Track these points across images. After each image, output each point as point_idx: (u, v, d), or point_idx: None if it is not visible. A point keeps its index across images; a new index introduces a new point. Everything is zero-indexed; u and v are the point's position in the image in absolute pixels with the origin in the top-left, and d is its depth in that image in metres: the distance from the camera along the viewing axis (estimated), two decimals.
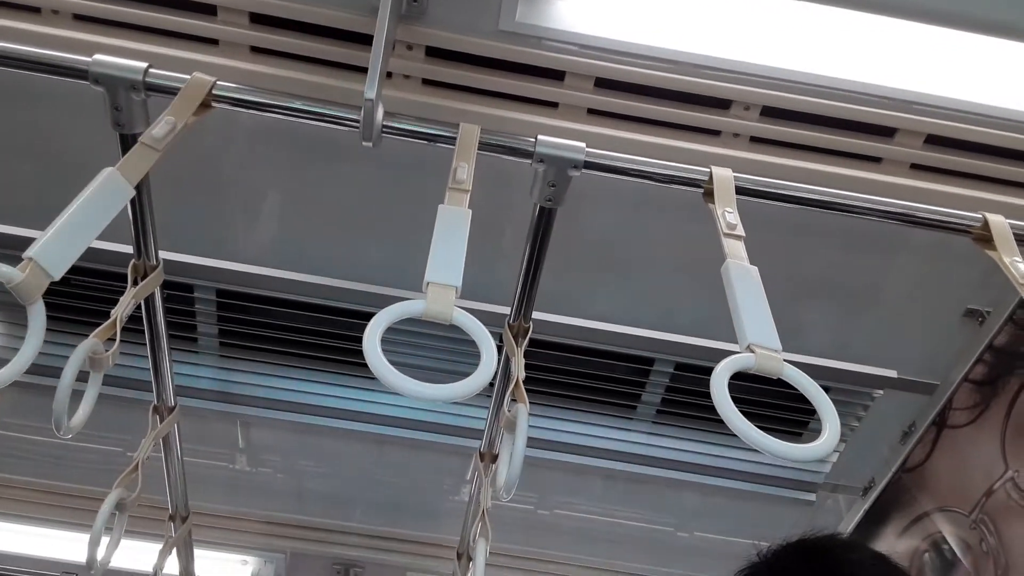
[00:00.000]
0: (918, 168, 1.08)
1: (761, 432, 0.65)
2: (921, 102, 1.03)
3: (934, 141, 1.07)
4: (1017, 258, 0.88)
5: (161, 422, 1.19)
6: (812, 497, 1.55)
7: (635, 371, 1.40)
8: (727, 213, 0.88)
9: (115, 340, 0.93)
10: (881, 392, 1.36)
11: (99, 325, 0.92)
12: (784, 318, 1.23)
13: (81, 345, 0.86)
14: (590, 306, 1.32)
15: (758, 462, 1.49)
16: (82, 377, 0.87)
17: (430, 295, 0.70)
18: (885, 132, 1.06)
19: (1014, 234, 0.92)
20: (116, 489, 1.10)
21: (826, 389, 1.33)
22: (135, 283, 1.00)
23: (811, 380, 0.71)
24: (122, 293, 0.98)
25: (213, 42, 1.02)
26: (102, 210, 0.73)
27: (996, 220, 0.91)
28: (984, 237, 0.92)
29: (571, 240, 1.21)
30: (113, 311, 0.93)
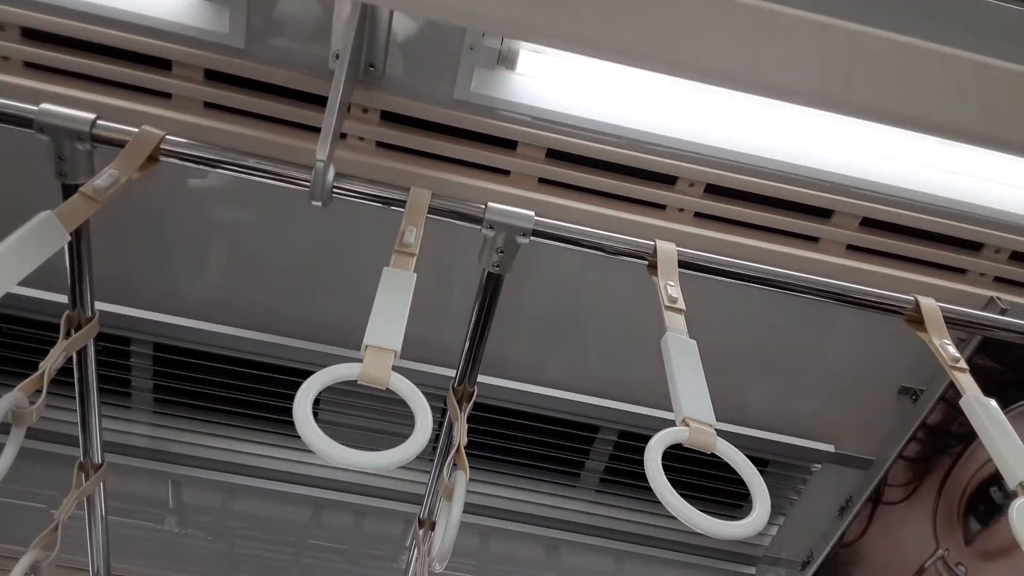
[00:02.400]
0: (854, 249, 1.12)
1: (691, 508, 0.65)
2: (857, 186, 1.08)
3: (869, 224, 1.11)
4: (947, 341, 0.91)
5: (86, 480, 1.14)
6: (752, 571, 1.54)
7: (580, 438, 1.40)
8: (669, 286, 0.90)
9: (41, 393, 0.90)
10: (819, 466, 1.38)
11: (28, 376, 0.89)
12: (726, 390, 1.25)
13: (3, 398, 0.83)
14: (536, 371, 1.32)
15: (699, 534, 1.48)
16: (4, 429, 0.84)
17: (367, 358, 0.69)
18: (822, 213, 1.10)
19: (944, 317, 0.95)
20: (32, 550, 1.05)
21: (766, 462, 1.37)
22: (67, 335, 0.97)
23: (743, 457, 0.72)
24: (51, 345, 0.96)
25: (166, 95, 1.02)
26: (34, 251, 0.72)
27: (927, 303, 0.95)
28: (916, 319, 0.95)
29: (518, 305, 1.22)
30: (42, 363, 0.90)
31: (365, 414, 1.33)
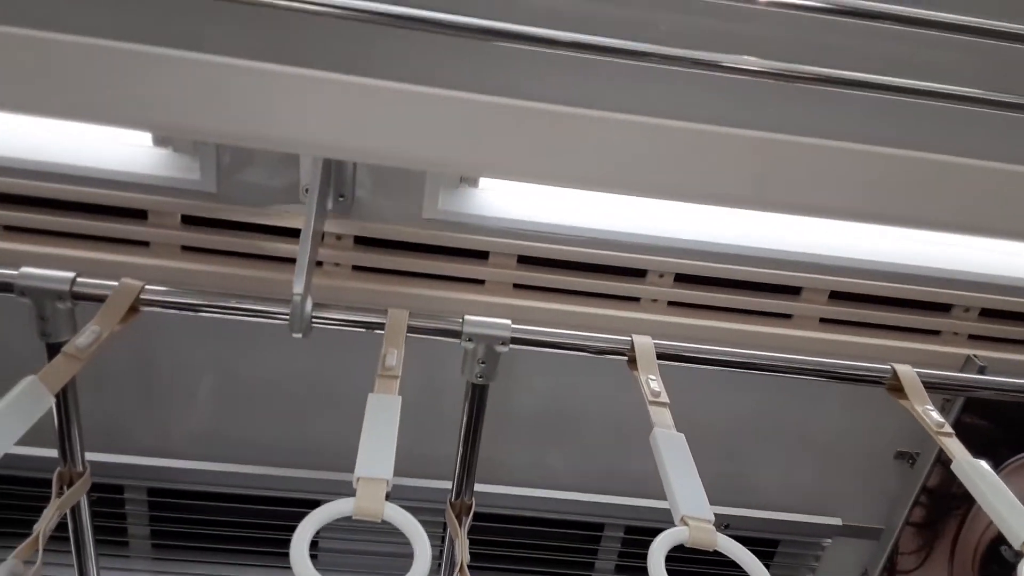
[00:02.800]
0: (827, 322, 1.15)
1: None
2: (821, 262, 1.11)
3: (838, 296, 1.14)
4: (929, 406, 0.92)
5: None
6: None
7: (586, 538, 1.38)
8: (650, 380, 0.91)
9: (38, 555, 0.89)
10: (830, 541, 1.36)
11: (23, 535, 0.88)
12: (727, 474, 1.24)
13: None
14: (533, 474, 1.31)
15: None
16: None
17: (360, 491, 0.69)
18: (792, 291, 1.13)
19: (924, 382, 0.96)
20: None
21: (776, 542, 1.35)
22: (60, 492, 0.97)
23: (746, 551, 0.71)
24: (48, 500, 0.95)
25: (144, 244, 1.05)
26: (20, 417, 0.72)
27: (904, 371, 0.96)
28: (896, 387, 0.97)
29: (508, 409, 1.23)
30: (36, 526, 0.89)
31: (368, 536, 1.31)
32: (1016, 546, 0.75)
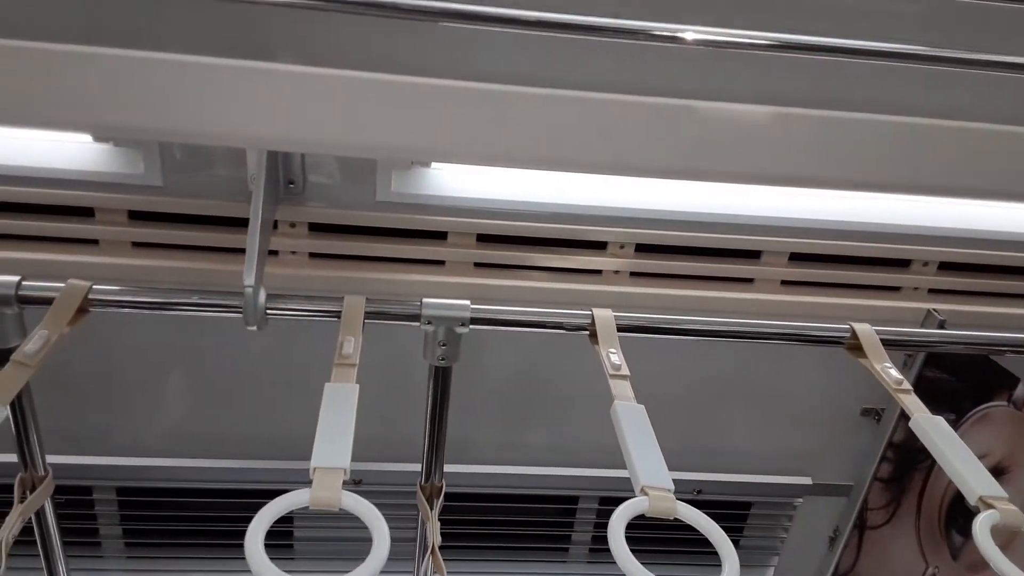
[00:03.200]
0: (788, 283, 1.15)
1: None
2: (779, 224, 1.11)
3: (798, 258, 1.14)
4: (887, 364, 0.93)
5: None
6: None
7: (561, 512, 1.38)
8: (611, 354, 0.91)
9: (1, 563, 0.88)
10: (801, 500, 1.37)
11: None
12: (697, 440, 1.25)
13: None
14: (504, 451, 1.31)
15: None
16: None
17: (316, 481, 0.69)
18: (752, 255, 1.13)
19: (883, 340, 0.97)
20: None
21: (748, 504, 1.37)
22: (22, 498, 0.95)
23: (707, 518, 0.71)
24: (10, 507, 0.94)
25: (93, 242, 1.03)
26: None
27: (863, 329, 0.96)
28: (856, 346, 0.97)
29: (476, 387, 1.22)
30: None
31: (343, 523, 1.31)
32: (972, 501, 0.76)
